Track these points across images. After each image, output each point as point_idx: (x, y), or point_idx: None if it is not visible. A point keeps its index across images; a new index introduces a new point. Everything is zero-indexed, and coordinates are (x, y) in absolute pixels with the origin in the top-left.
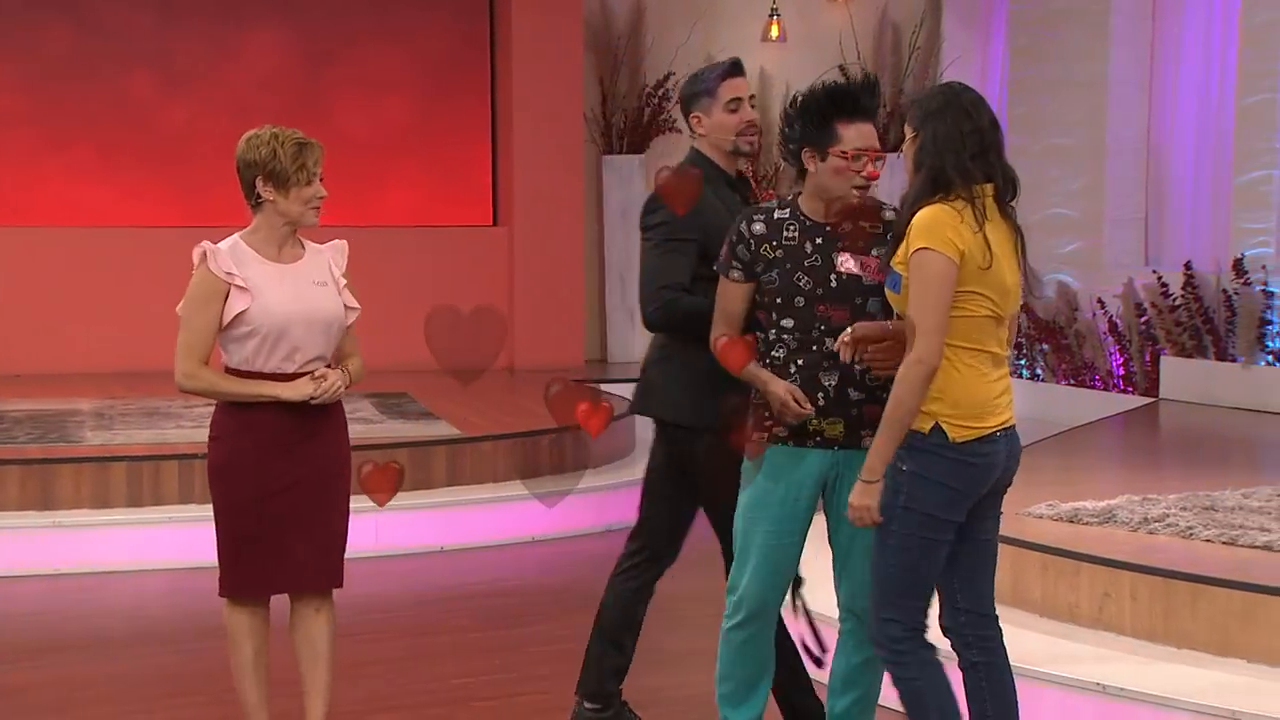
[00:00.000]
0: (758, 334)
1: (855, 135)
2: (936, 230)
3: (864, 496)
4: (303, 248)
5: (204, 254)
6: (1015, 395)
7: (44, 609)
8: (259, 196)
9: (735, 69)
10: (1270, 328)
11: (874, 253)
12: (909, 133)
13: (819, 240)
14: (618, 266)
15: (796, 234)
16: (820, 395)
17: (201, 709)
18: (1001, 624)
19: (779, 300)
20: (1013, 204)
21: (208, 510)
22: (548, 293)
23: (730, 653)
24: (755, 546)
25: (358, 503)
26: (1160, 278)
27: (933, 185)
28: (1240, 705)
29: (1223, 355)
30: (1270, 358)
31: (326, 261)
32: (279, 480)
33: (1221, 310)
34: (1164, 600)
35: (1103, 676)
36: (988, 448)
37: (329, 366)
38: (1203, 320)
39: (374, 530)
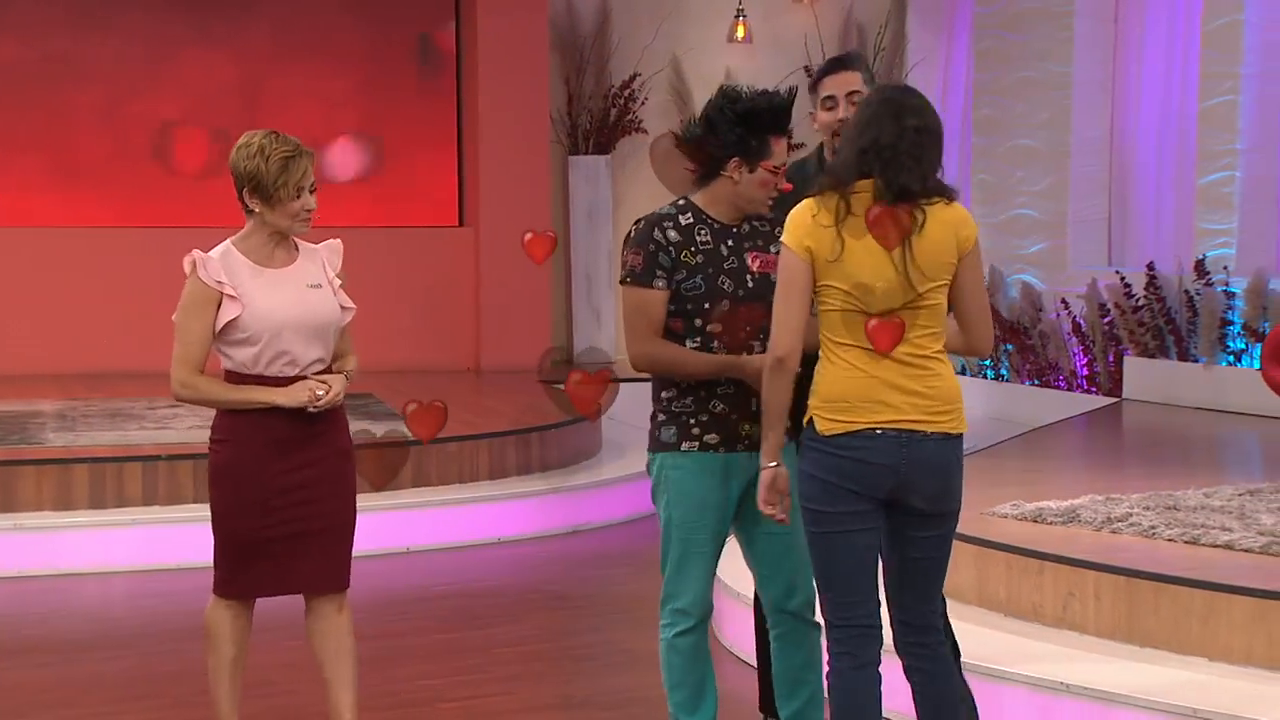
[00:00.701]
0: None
1: (781, 150)
2: (791, 226)
3: (760, 485)
4: (296, 250)
5: (194, 263)
6: (979, 396)
7: (6, 612)
8: (248, 206)
9: (832, 66)
10: (1231, 328)
11: (772, 250)
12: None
13: (730, 242)
14: (584, 267)
15: (710, 238)
16: (753, 400)
17: (165, 712)
18: (966, 623)
19: (705, 305)
20: (926, 204)
21: (171, 512)
22: (513, 294)
23: (681, 661)
24: (696, 554)
25: None
26: (1123, 278)
27: (825, 175)
28: (1201, 703)
29: (1185, 355)
30: (1231, 358)
31: (320, 262)
32: (282, 482)
33: (1184, 310)
34: (1127, 599)
35: (1067, 675)
36: (860, 443)
37: (328, 368)
38: (1165, 320)
39: None
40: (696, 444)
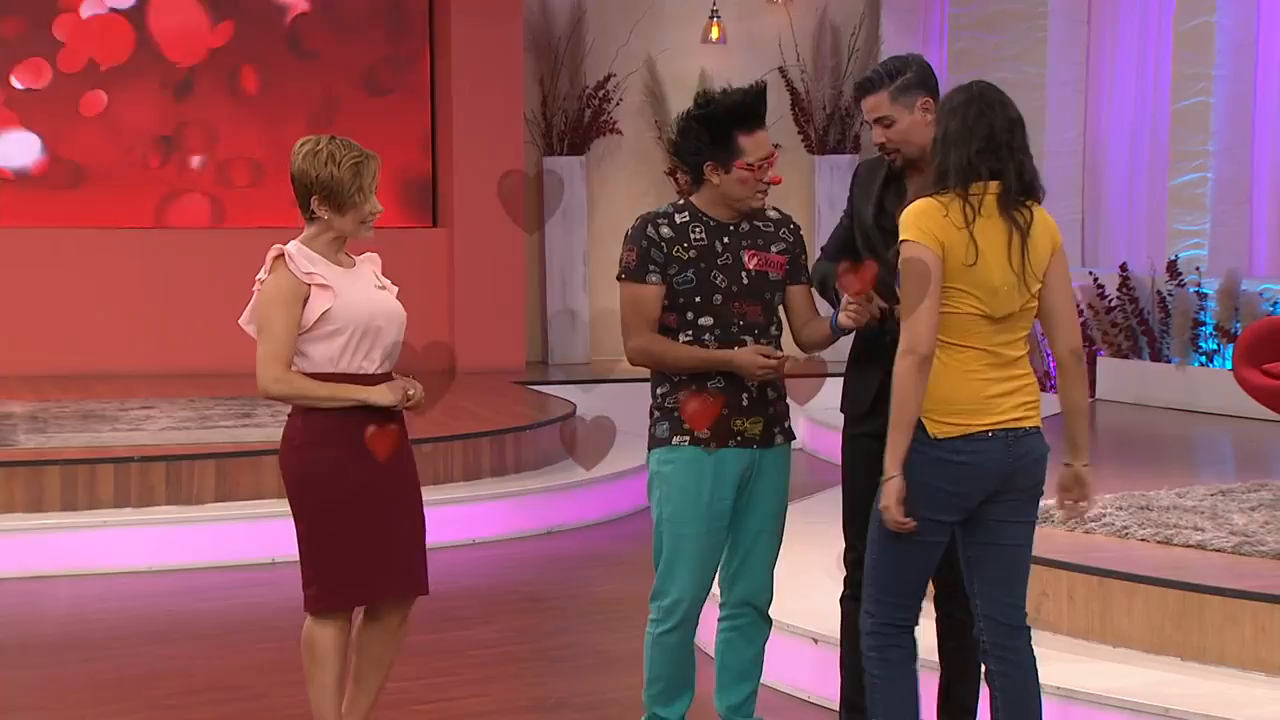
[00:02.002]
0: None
1: (754, 145)
2: (917, 221)
3: (884, 497)
4: (351, 255)
5: (281, 257)
6: None
7: None
8: (314, 212)
9: (857, 91)
10: (1204, 328)
11: (773, 249)
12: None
13: (726, 239)
14: (559, 268)
15: (704, 234)
16: (744, 395)
17: (138, 715)
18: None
19: (697, 299)
20: (1028, 204)
21: (143, 514)
22: (488, 295)
23: (663, 656)
24: (688, 551)
25: (278, 506)
26: (1096, 279)
27: (936, 180)
28: (1174, 703)
29: (1158, 356)
30: (1204, 358)
31: (373, 269)
32: (360, 486)
33: (1156, 311)
34: (1100, 600)
35: (1040, 676)
36: (975, 446)
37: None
38: (1138, 321)
39: None
40: (687, 438)
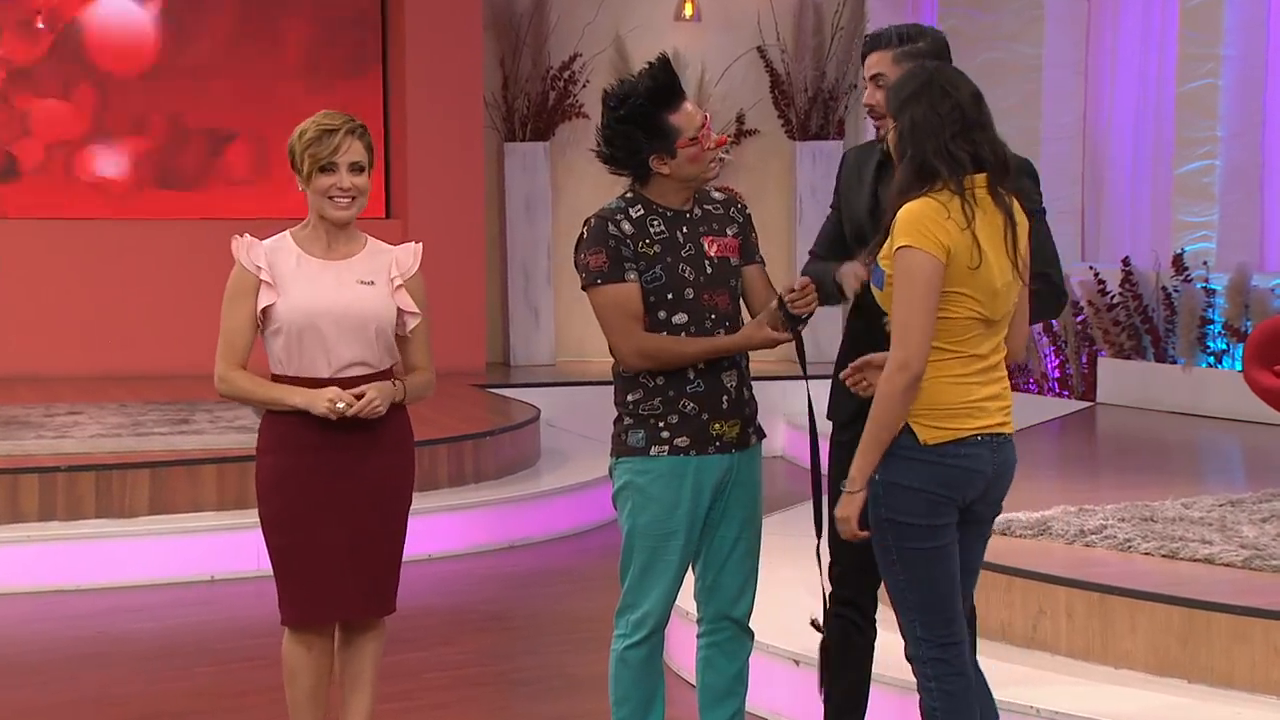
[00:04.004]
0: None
1: (686, 119)
2: (921, 226)
3: (844, 507)
4: (362, 244)
5: (238, 246)
6: None
7: None
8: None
9: (866, 45)
10: (1212, 327)
11: (729, 232)
12: (889, 122)
13: (685, 229)
14: (521, 262)
15: (663, 226)
16: (724, 398)
17: None
18: None
19: (668, 295)
20: (1006, 186)
21: (71, 528)
22: (445, 291)
23: (630, 674)
24: (663, 564)
25: (230, 519)
26: (1097, 274)
27: (918, 175)
28: None
29: (1162, 356)
30: (1212, 359)
31: (389, 261)
32: (327, 499)
33: (1161, 309)
34: (1101, 618)
35: (1036, 699)
36: (966, 450)
37: (391, 376)
38: (1142, 319)
39: (256, 550)
40: (667, 448)
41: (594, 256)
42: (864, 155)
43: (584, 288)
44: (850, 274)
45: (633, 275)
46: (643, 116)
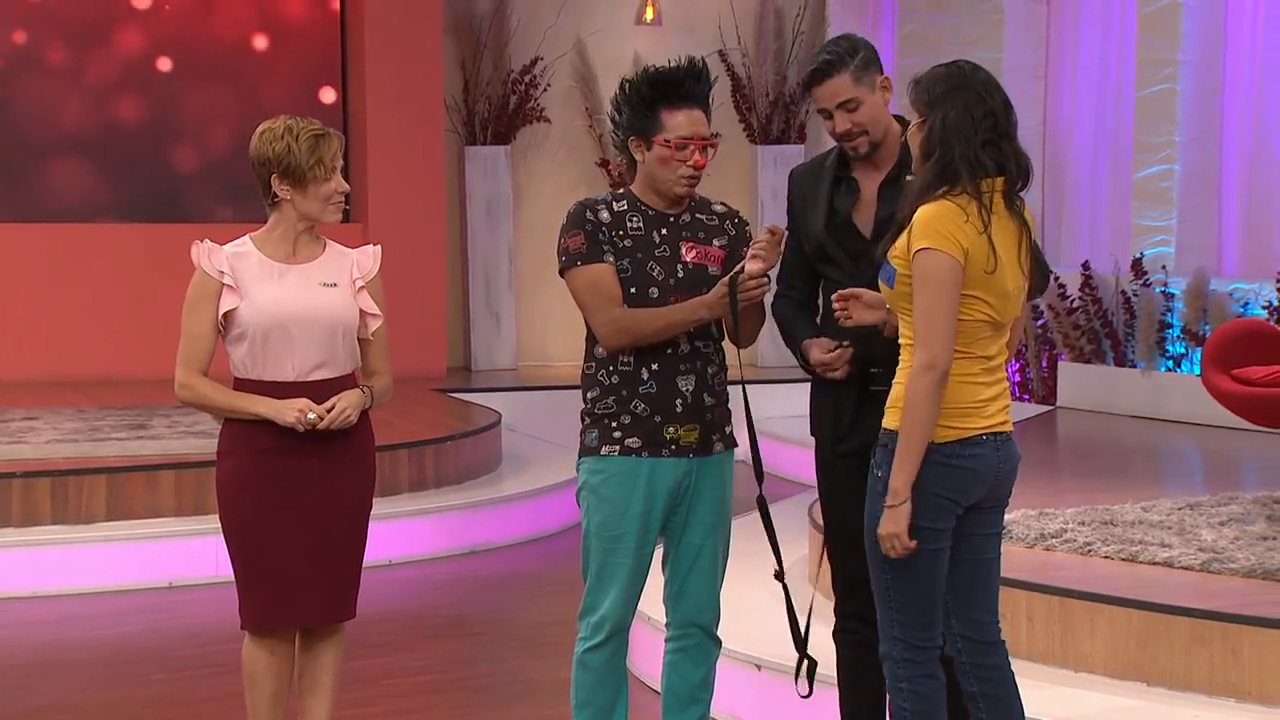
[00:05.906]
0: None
1: (682, 123)
2: (941, 228)
3: (889, 523)
4: (322, 248)
5: (198, 252)
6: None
7: None
8: (275, 195)
9: (811, 78)
10: (1170, 331)
11: (715, 243)
12: (914, 118)
13: (664, 230)
14: (482, 267)
15: (641, 224)
16: (678, 401)
17: None
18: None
19: (632, 290)
20: (1021, 193)
21: (26, 535)
22: (406, 295)
23: (590, 678)
24: (619, 565)
25: (188, 524)
26: (1057, 278)
27: (940, 177)
28: None
29: (1122, 360)
30: (1171, 363)
31: (349, 264)
32: (287, 503)
33: (1121, 313)
34: (1061, 621)
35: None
36: (971, 450)
37: (354, 381)
38: (1102, 324)
39: (215, 557)
40: (617, 448)
41: (572, 239)
42: (813, 172)
43: (562, 272)
44: (819, 357)
45: (610, 258)
46: (640, 95)
